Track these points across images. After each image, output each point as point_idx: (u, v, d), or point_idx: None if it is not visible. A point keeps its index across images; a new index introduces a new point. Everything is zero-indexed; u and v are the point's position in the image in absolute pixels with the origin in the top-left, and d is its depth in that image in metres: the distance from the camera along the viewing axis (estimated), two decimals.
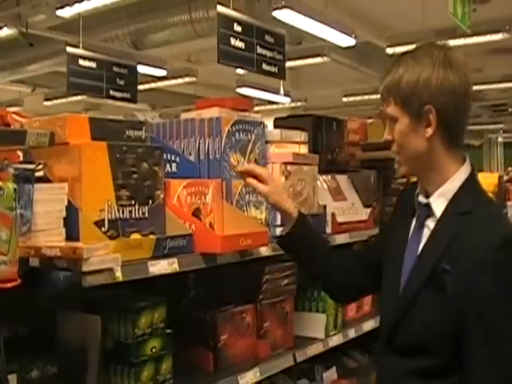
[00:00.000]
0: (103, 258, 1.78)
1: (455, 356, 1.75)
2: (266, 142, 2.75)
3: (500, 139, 22.20)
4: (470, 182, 1.88)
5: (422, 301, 1.80)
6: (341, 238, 3.08)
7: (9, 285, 1.64)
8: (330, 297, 2.56)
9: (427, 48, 1.89)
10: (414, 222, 1.95)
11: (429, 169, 1.89)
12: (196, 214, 2.32)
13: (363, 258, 2.26)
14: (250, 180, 2.21)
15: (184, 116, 2.70)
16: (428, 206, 1.89)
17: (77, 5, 6.94)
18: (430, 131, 1.83)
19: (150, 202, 2.09)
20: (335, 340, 3.12)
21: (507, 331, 1.71)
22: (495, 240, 1.72)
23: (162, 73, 10.00)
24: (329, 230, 3.05)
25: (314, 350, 2.95)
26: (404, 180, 3.72)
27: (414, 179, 2.02)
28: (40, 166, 1.91)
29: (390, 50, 8.69)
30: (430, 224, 1.88)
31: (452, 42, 7.97)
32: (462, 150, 1.93)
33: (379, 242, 2.23)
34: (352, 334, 3.27)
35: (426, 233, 1.88)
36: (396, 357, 1.88)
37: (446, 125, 1.83)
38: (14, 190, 1.67)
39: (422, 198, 1.93)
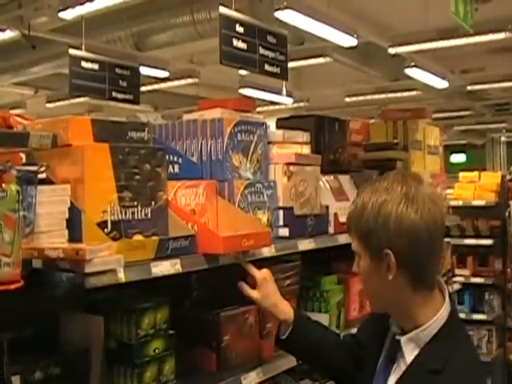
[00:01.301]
0: (106, 259, 1.79)
1: None
2: (269, 143, 2.76)
3: (503, 138, 22.14)
4: (448, 329, 1.75)
5: None
6: (343, 238, 3.08)
7: (12, 286, 1.65)
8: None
9: (393, 179, 1.76)
10: (384, 350, 1.86)
11: (399, 311, 1.79)
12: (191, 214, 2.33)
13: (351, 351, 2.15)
14: (241, 284, 2.26)
15: (186, 117, 2.71)
16: (399, 343, 1.79)
17: (79, 7, 6.94)
18: (390, 276, 1.72)
19: (153, 203, 2.09)
20: None
21: None
22: None
23: (164, 74, 9.99)
24: (331, 230, 3.05)
25: None
26: None
27: None
28: (43, 168, 1.91)
29: (392, 50, 8.68)
30: (401, 363, 1.78)
31: (454, 42, 7.99)
32: (438, 290, 1.81)
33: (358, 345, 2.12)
34: None
35: (394, 373, 1.79)
36: None
37: (407, 268, 1.72)
38: (17, 191, 1.68)
39: (395, 329, 1.83)
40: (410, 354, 1.75)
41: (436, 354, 1.71)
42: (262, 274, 2.24)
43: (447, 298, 1.80)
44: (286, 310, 2.20)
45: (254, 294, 2.21)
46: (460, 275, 6.63)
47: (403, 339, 1.77)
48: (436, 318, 1.75)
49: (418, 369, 1.72)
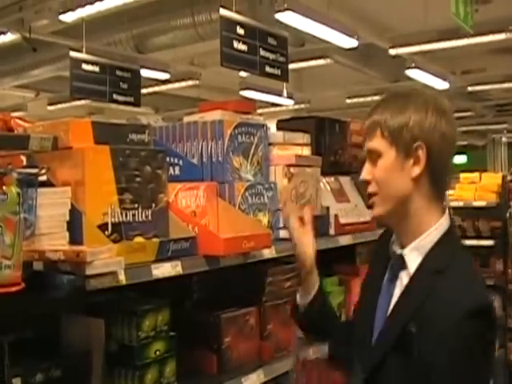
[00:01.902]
0: (107, 261, 1.79)
1: None
2: (269, 145, 2.76)
3: (504, 139, 22.16)
4: (448, 237, 1.80)
5: (388, 365, 1.75)
6: (344, 240, 3.09)
7: (13, 289, 1.66)
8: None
9: (418, 92, 1.84)
10: (387, 272, 1.88)
11: (406, 217, 1.79)
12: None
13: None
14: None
15: (187, 119, 2.71)
16: (402, 257, 1.81)
17: (79, 9, 6.95)
18: (417, 170, 1.75)
19: (154, 205, 2.09)
20: None
21: None
22: (463, 310, 1.63)
23: (165, 76, 10.02)
24: (332, 231, 3.05)
25: None
26: None
27: None
28: (43, 171, 1.92)
29: (392, 51, 8.69)
30: (404, 277, 1.80)
31: (455, 43, 8.00)
32: (442, 204, 1.84)
33: None
34: None
35: (398, 287, 1.81)
36: None
37: (434, 166, 1.75)
38: (18, 194, 1.68)
39: (396, 248, 1.85)
40: (413, 263, 1.78)
41: (438, 258, 1.75)
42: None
43: (447, 210, 1.85)
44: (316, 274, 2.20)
45: (308, 249, 2.17)
46: None
47: (406, 250, 1.80)
48: (437, 225, 1.79)
49: (421, 273, 1.75)
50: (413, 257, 1.78)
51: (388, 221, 1.88)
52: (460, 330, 1.63)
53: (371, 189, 1.82)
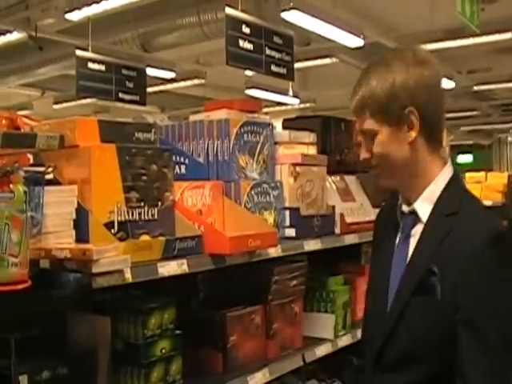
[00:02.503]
0: (113, 259, 1.79)
1: (449, 365, 1.69)
2: (275, 143, 2.76)
3: (510, 138, 22.09)
4: (455, 182, 1.85)
5: (411, 309, 1.75)
6: (350, 239, 3.09)
7: (19, 286, 1.66)
8: None
9: (394, 52, 1.87)
10: (398, 236, 1.89)
11: (412, 175, 1.83)
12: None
13: None
14: None
15: (193, 118, 2.72)
16: (413, 213, 1.84)
17: (86, 8, 6.96)
18: (413, 134, 1.78)
19: (160, 203, 2.10)
20: (344, 340, 3.12)
21: (498, 336, 1.66)
22: (483, 237, 1.69)
23: (170, 75, 10.01)
24: (337, 230, 3.05)
25: (323, 350, 2.95)
26: None
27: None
28: (50, 169, 1.92)
29: None
30: (417, 232, 1.83)
31: (461, 42, 7.98)
32: (442, 153, 1.88)
33: None
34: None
35: (413, 242, 1.83)
36: (388, 373, 1.83)
37: (428, 124, 1.79)
38: (25, 192, 1.69)
39: (405, 208, 1.87)
40: (426, 212, 1.81)
41: (449, 202, 1.79)
42: None
43: (449, 158, 1.90)
44: None
45: None
46: None
47: (417, 202, 1.83)
48: (441, 173, 1.83)
49: (435, 217, 1.79)
50: (425, 207, 1.82)
51: (395, 186, 1.91)
52: (483, 256, 1.66)
53: (373, 162, 1.85)
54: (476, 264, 1.66)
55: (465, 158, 21.06)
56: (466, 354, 1.66)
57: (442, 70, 1.95)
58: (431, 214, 1.80)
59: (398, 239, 1.89)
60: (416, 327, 1.75)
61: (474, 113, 15.65)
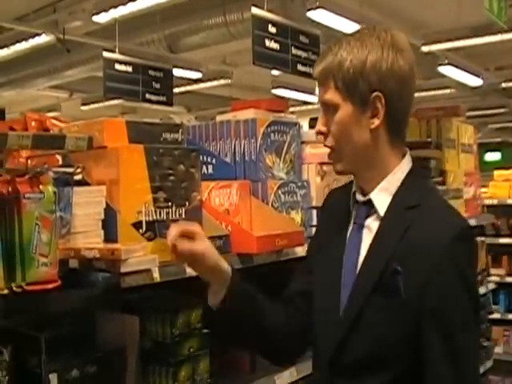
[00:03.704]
0: (141, 259, 1.81)
1: (413, 367, 1.58)
2: (302, 143, 2.76)
3: None
4: (414, 176, 1.72)
5: (370, 310, 1.61)
6: None
7: (50, 286, 1.68)
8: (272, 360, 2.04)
9: (372, 30, 1.69)
10: (350, 226, 1.75)
11: (369, 164, 1.70)
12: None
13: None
14: (183, 244, 1.64)
15: (220, 118, 2.72)
16: (368, 203, 1.71)
17: (112, 10, 7.02)
18: (376, 122, 1.64)
19: (187, 203, 2.10)
20: None
21: (468, 337, 1.57)
22: (449, 232, 1.58)
23: (197, 75, 10.06)
24: None
25: None
26: (440, 179, 3.69)
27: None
28: (79, 170, 1.94)
29: (425, 48, 8.63)
30: (372, 224, 1.69)
31: (488, 39, 7.92)
32: (404, 144, 1.76)
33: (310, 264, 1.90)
34: None
35: (368, 234, 1.69)
36: (344, 380, 1.67)
37: (393, 115, 1.66)
38: (54, 193, 1.71)
39: (359, 197, 1.74)
40: (382, 204, 1.69)
41: (408, 195, 1.68)
42: (195, 227, 1.71)
43: (408, 151, 1.76)
44: (226, 264, 1.78)
45: (199, 245, 1.66)
46: (495, 275, 6.57)
47: (374, 192, 1.70)
48: (400, 165, 1.71)
49: (394, 210, 1.67)
50: (382, 198, 1.69)
51: (351, 172, 1.77)
52: (451, 252, 1.56)
53: (328, 143, 1.71)
54: (449, 261, 1.56)
55: (493, 156, 20.86)
56: (435, 355, 1.56)
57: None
58: (390, 206, 1.68)
59: (349, 230, 1.76)
60: (377, 328, 1.62)
61: (502, 110, 15.49)
